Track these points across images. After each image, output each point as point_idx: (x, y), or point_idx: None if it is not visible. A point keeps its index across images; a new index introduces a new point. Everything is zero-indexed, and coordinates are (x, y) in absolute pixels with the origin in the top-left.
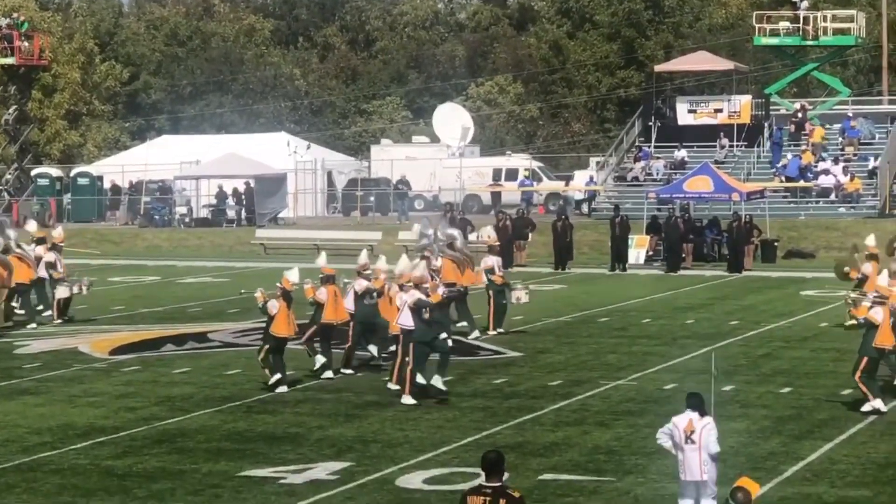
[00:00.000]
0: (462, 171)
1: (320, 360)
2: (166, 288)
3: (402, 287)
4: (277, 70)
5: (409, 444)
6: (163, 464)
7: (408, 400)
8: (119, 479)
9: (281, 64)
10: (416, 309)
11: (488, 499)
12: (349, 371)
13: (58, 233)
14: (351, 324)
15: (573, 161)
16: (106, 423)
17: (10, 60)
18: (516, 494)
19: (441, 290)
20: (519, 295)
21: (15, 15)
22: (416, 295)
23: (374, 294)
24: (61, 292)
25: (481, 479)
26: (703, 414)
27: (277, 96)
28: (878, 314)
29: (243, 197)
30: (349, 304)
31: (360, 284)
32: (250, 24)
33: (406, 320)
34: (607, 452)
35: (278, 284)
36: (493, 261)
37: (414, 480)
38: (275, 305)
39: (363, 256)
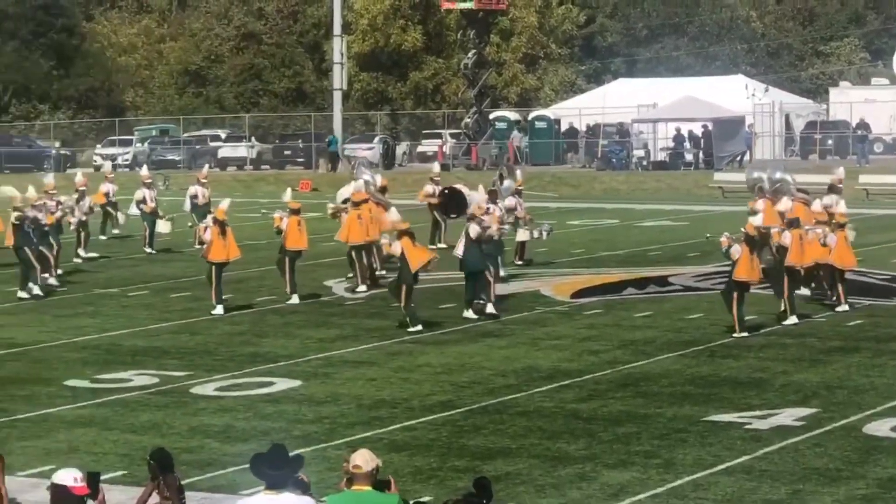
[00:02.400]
0: None
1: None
2: (625, 231)
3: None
4: (733, 12)
5: (875, 391)
6: (627, 407)
7: None
8: (584, 423)
9: (737, 6)
10: None
11: None
12: None
13: (517, 176)
14: None
15: None
16: (570, 366)
17: (468, 5)
18: None
19: None
20: None
21: None
22: None
23: None
24: (521, 235)
25: None
26: None
27: (733, 38)
28: None
29: (701, 140)
30: None
31: None
32: None
33: None
34: None
35: (742, 229)
36: None
37: (882, 428)
38: (738, 250)
39: None
